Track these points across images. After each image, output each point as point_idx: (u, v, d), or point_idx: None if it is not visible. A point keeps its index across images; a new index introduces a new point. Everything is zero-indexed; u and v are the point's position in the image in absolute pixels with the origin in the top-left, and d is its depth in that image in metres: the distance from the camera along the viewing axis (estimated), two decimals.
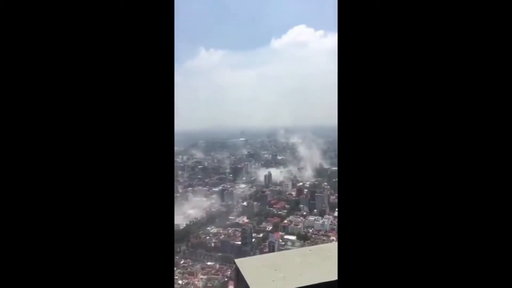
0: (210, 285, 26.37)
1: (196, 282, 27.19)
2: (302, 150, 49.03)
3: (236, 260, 2.10)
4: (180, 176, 48.85)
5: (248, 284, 1.80)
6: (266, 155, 53.62)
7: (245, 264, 2.05)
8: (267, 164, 49.00)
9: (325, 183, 39.25)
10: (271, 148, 57.23)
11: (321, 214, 33.86)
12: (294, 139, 54.52)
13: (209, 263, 29.64)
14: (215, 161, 52.87)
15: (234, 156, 54.08)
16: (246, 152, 55.20)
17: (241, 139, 62.87)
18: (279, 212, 36.41)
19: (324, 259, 2.05)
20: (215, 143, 61.68)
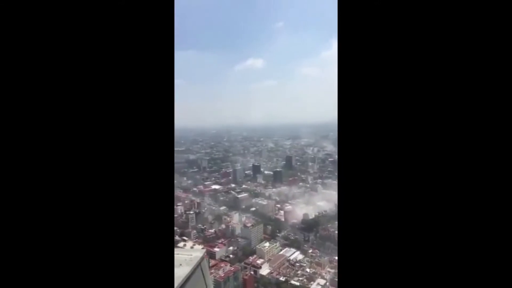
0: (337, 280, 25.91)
1: (324, 274, 27.34)
2: None
3: None
4: (310, 168, 49.84)
5: None
6: None
7: None
8: None
9: None
10: None
11: None
12: None
13: (336, 258, 29.11)
14: None
15: None
16: None
17: None
18: None
19: None
20: None
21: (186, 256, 2.08)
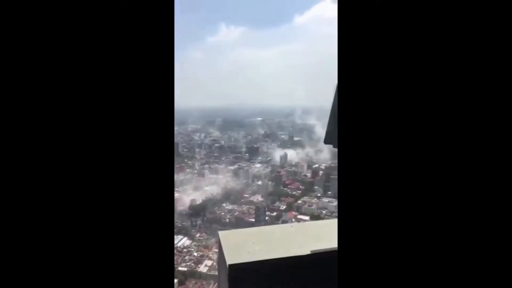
0: None
1: (211, 255, 28.47)
2: (319, 132, 48.31)
3: (219, 232, 2.18)
4: (197, 154, 49.87)
5: (224, 254, 1.89)
6: (282, 136, 53.37)
7: (226, 237, 2.14)
8: (283, 144, 48.86)
9: None
10: (288, 129, 56.80)
11: (336, 196, 33.73)
12: (312, 120, 53.68)
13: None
14: (232, 140, 53.25)
15: (250, 136, 54.16)
16: (262, 132, 55.10)
17: (258, 118, 62.59)
18: (294, 193, 36.70)
19: (301, 235, 2.22)
20: (232, 122, 61.83)
21: None
